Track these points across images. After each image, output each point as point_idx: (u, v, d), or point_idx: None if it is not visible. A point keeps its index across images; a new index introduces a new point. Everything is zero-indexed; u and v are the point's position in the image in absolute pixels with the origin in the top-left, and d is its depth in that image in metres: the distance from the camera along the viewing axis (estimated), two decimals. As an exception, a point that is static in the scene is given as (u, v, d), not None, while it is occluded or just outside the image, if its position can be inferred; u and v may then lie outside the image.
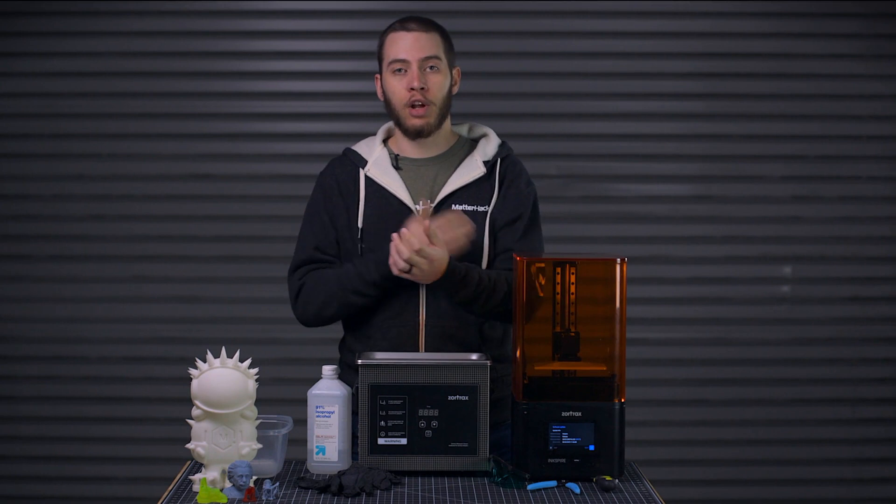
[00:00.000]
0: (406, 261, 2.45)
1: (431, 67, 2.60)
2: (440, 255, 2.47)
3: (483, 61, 4.25)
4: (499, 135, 2.73)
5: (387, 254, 2.51)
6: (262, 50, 4.34)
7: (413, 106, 2.59)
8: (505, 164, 2.68)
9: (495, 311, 2.58)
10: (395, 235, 2.47)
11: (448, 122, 2.69)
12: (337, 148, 2.81)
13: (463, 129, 2.75)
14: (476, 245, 2.61)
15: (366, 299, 2.59)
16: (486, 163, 2.66)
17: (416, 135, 2.63)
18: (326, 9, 4.34)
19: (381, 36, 2.67)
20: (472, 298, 2.55)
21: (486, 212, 2.63)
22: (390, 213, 2.61)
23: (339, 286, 2.59)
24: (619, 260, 2.36)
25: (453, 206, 2.61)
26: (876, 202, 4.38)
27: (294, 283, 2.68)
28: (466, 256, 2.58)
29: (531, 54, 4.34)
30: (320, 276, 2.63)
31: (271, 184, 4.33)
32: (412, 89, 2.58)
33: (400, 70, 2.60)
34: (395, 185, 2.63)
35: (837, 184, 4.38)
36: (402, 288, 2.58)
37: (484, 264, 2.63)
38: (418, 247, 2.44)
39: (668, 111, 4.36)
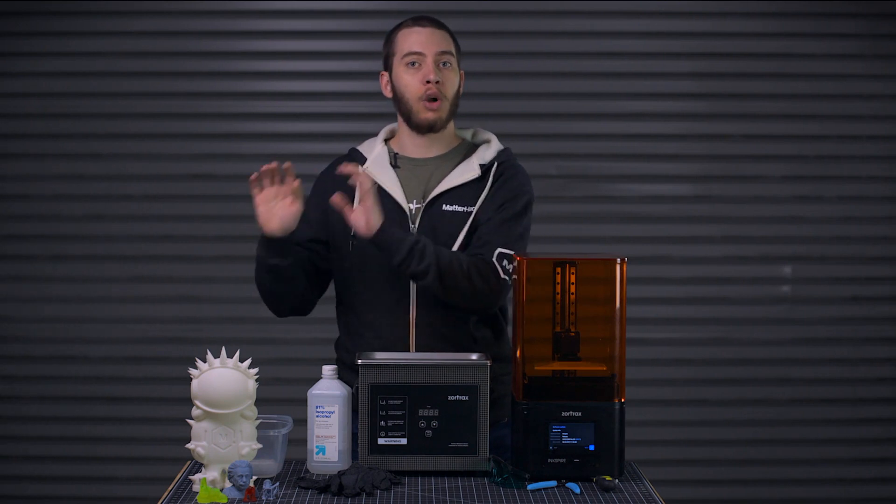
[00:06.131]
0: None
1: (445, 63, 2.60)
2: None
3: (483, 61, 4.25)
4: (500, 136, 2.72)
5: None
6: (263, 50, 4.34)
7: (429, 100, 2.58)
8: (501, 169, 2.65)
9: (451, 287, 2.49)
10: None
11: (452, 124, 2.67)
12: (338, 148, 2.81)
13: (467, 134, 2.74)
14: (453, 242, 2.57)
15: (268, 274, 2.61)
16: (481, 166, 2.63)
17: (427, 129, 2.61)
18: (327, 9, 4.34)
19: (390, 34, 2.66)
20: (410, 258, 2.50)
21: (471, 212, 2.60)
22: (383, 210, 2.57)
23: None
24: (619, 260, 2.36)
25: (444, 206, 2.59)
26: (876, 202, 4.38)
27: None
28: None
29: (531, 54, 4.34)
30: None
31: (271, 184, 4.32)
32: (428, 82, 2.57)
33: (414, 63, 2.59)
34: (389, 182, 2.62)
35: (837, 184, 4.38)
36: (390, 283, 2.57)
37: None
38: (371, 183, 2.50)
39: (668, 111, 4.36)
